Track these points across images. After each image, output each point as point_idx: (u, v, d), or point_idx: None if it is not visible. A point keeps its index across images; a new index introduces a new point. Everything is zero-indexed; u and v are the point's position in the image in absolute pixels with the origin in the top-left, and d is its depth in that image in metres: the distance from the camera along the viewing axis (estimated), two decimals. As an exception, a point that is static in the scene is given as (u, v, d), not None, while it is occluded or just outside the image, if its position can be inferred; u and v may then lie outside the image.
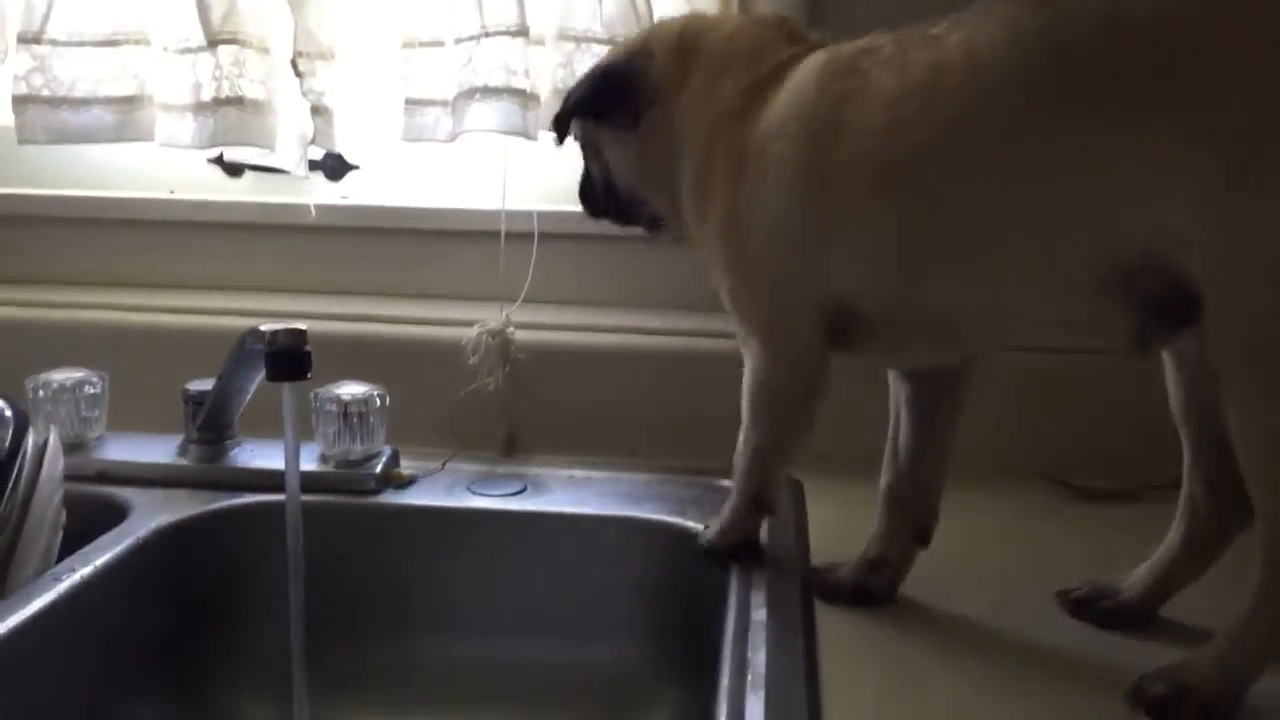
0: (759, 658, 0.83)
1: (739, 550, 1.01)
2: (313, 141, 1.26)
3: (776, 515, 1.03)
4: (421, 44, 1.25)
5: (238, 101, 1.23)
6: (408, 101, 1.26)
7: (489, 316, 1.29)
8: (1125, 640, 0.88)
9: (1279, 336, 0.69)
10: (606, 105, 1.01)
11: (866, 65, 0.83)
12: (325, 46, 1.25)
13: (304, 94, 1.24)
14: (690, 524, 1.09)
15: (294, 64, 1.23)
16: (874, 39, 0.86)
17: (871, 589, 0.95)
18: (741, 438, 0.98)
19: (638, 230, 1.11)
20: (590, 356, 1.30)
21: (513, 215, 1.33)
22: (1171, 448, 0.90)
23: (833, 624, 0.90)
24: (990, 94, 0.76)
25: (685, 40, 0.98)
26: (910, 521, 0.96)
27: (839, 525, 1.10)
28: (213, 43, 1.22)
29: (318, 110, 1.25)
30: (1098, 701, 0.79)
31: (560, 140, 1.05)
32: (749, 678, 0.80)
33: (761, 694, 0.78)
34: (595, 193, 1.09)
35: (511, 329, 1.28)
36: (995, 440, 1.22)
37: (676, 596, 1.09)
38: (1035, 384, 1.24)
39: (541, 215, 1.33)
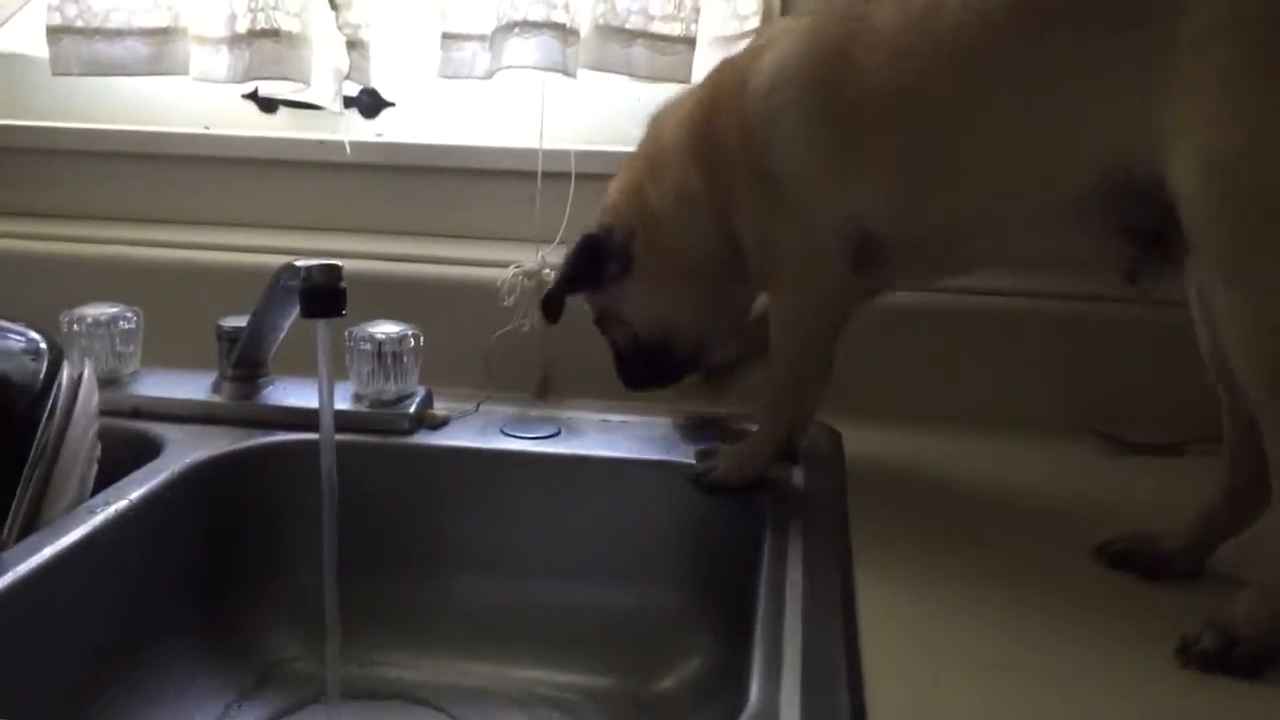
0: (795, 601, 0.82)
1: (746, 487, 1.05)
2: (348, 76, 1.25)
3: (798, 463, 1.08)
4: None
5: (273, 34, 1.21)
6: (445, 36, 1.24)
7: (524, 258, 1.27)
8: (1172, 592, 0.87)
9: (1248, 249, 0.73)
10: (592, 270, 1.09)
11: (863, 11, 0.91)
12: None
13: (340, 27, 1.22)
14: (725, 470, 1.08)
15: None
16: None
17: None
18: (772, 376, 1.04)
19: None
20: None
21: (550, 155, 1.30)
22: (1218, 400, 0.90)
23: (871, 570, 0.88)
24: (983, 21, 0.84)
25: (629, 183, 1.08)
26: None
27: (877, 473, 1.09)
28: (250, -26, 1.20)
29: (354, 44, 1.23)
30: (1143, 654, 0.78)
31: (553, 319, 1.13)
32: (785, 621, 0.79)
33: (799, 638, 0.77)
34: (632, 363, 1.16)
35: (547, 270, 1.26)
36: (1039, 394, 1.22)
37: (710, 541, 1.08)
38: (1079, 336, 1.22)
39: (579, 155, 1.31)
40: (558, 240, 1.28)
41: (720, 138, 1.01)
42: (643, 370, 1.16)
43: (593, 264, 1.09)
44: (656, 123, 1.10)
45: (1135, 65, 0.77)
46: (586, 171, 1.30)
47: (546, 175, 1.30)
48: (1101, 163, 0.81)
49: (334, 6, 1.21)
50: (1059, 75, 0.82)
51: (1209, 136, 0.73)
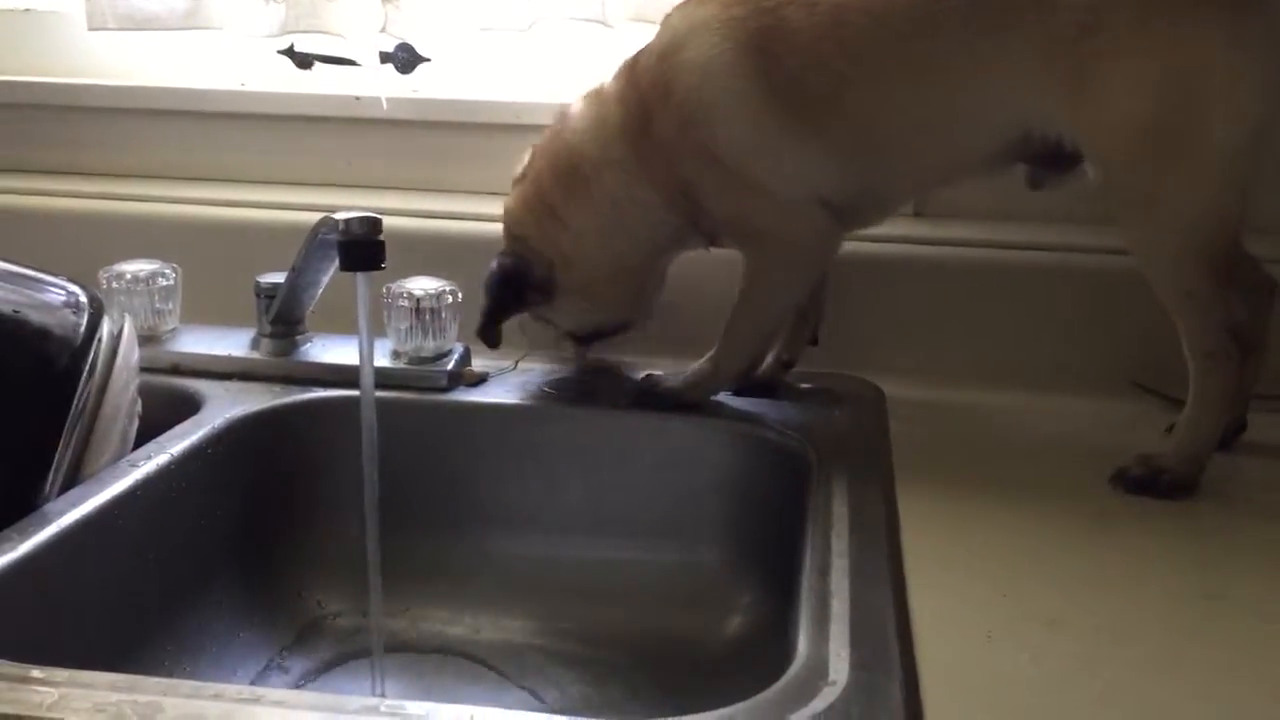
0: (842, 555, 0.81)
1: (696, 406, 1.10)
2: (383, 29, 1.23)
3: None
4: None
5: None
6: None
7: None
8: (1225, 547, 0.87)
9: (1143, 186, 0.92)
10: (515, 298, 1.11)
11: (772, 5, 0.98)
12: None
13: None
14: (768, 429, 1.07)
15: None
16: None
17: (779, 384, 1.16)
18: (742, 316, 1.08)
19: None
20: None
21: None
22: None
23: (917, 525, 0.87)
24: (884, 28, 0.96)
25: (532, 205, 1.11)
26: (809, 328, 1.17)
27: (920, 429, 1.07)
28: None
29: None
30: (1197, 606, 0.77)
31: (493, 345, 1.14)
32: (832, 575, 0.78)
33: (846, 591, 0.76)
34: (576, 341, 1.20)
35: None
36: (1084, 349, 1.20)
37: (752, 499, 1.07)
38: (1123, 291, 1.18)
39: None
40: None
41: (661, 141, 1.04)
42: (586, 342, 1.20)
43: (515, 292, 1.11)
44: (552, 142, 1.12)
45: (1026, 46, 0.92)
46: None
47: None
48: (1010, 130, 0.96)
49: None
50: (958, 67, 0.95)
51: (1105, 101, 0.89)
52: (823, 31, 0.97)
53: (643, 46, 1.08)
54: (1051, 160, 0.98)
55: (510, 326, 1.20)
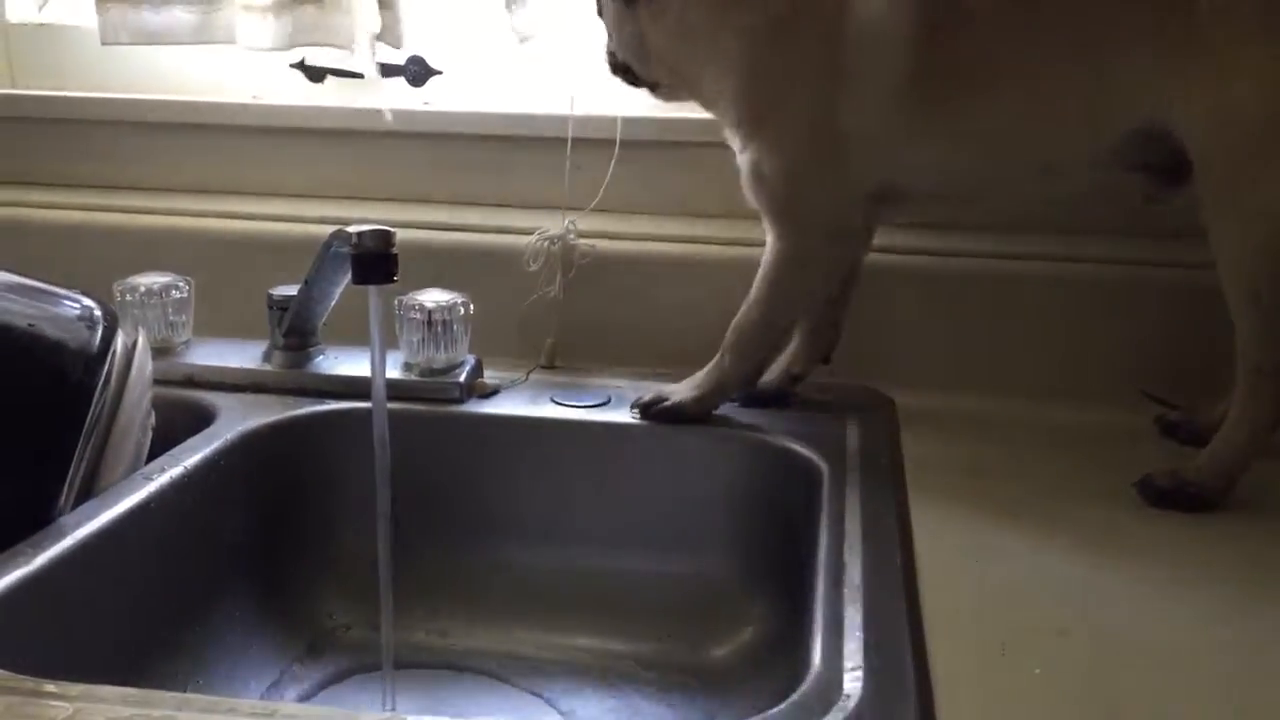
0: (855, 568, 0.81)
1: (704, 418, 1.10)
2: (379, 38, 1.24)
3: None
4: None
5: (315, 0, 1.20)
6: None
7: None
8: (1239, 555, 0.86)
9: (1240, 182, 0.91)
10: None
11: None
12: None
13: None
14: (779, 440, 1.07)
15: None
16: None
17: (786, 394, 1.15)
18: (751, 313, 1.07)
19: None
20: (664, 263, 1.27)
21: (592, 121, 1.29)
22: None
23: (930, 536, 0.87)
24: (1049, 4, 0.96)
25: None
26: (822, 346, 1.16)
27: (931, 439, 1.07)
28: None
29: (384, 4, 1.22)
30: (1212, 618, 0.77)
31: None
32: (845, 588, 0.78)
33: (859, 604, 0.76)
34: (608, 61, 1.15)
35: (573, 236, 1.25)
36: (1092, 359, 1.19)
37: (763, 510, 1.07)
38: (1131, 301, 1.19)
39: (625, 121, 1.28)
40: (591, 207, 1.27)
41: (794, 42, 1.01)
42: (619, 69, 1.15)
43: None
44: None
45: (1161, 34, 0.91)
46: (630, 138, 1.28)
47: (588, 142, 1.29)
48: (1131, 120, 0.95)
49: None
50: (1103, 46, 0.94)
51: (1222, 95, 0.89)
52: (1000, 8, 0.97)
53: None
54: (1167, 171, 0.97)
55: (520, 336, 1.21)
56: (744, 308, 1.08)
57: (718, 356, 1.10)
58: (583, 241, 1.26)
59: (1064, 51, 0.96)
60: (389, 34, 1.24)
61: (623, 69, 1.14)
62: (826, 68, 1.00)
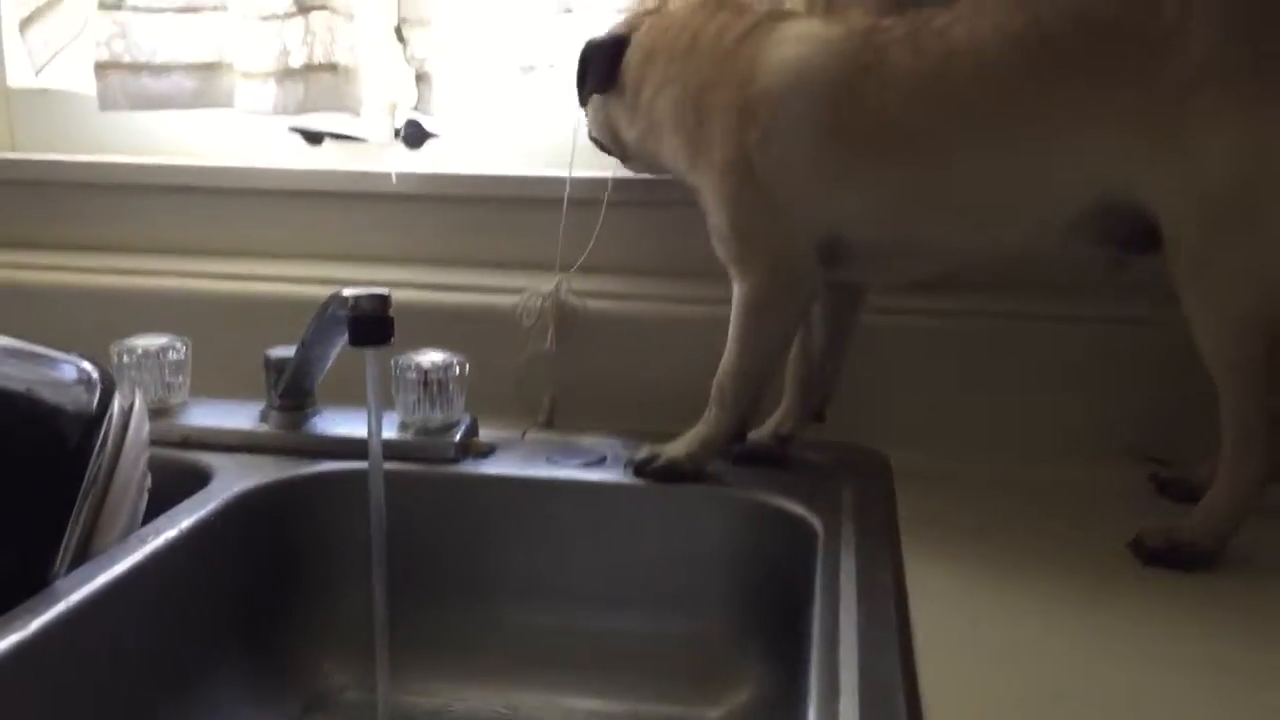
0: (850, 629, 0.81)
1: (698, 474, 1.11)
2: (415, 108, 1.26)
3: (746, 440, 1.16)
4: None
5: (330, 68, 1.22)
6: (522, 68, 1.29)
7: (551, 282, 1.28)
8: (1235, 614, 0.86)
9: (1214, 252, 0.91)
10: (613, 68, 1.15)
11: (882, 42, 0.99)
12: (424, 13, 1.24)
13: (408, 61, 1.24)
14: (774, 499, 1.07)
15: (398, 31, 1.23)
16: (870, 18, 1.03)
17: (777, 454, 1.16)
18: (727, 364, 1.09)
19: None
20: (656, 324, 1.28)
21: (581, 183, 1.31)
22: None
23: (925, 597, 0.87)
24: (990, 77, 0.95)
25: (649, 44, 1.13)
26: (814, 403, 1.18)
27: (926, 498, 1.08)
28: (304, 9, 1.22)
29: (421, 77, 1.25)
30: (1209, 680, 0.77)
31: (586, 97, 1.18)
32: (840, 648, 0.78)
33: (855, 665, 0.76)
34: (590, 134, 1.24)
35: (566, 293, 1.27)
36: (1086, 418, 1.20)
37: (758, 569, 1.07)
38: (1122, 359, 1.20)
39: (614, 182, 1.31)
40: (576, 266, 1.29)
41: (711, 111, 1.06)
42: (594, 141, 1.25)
43: (616, 58, 1.15)
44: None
45: (1124, 110, 0.91)
46: (619, 199, 1.31)
47: (586, 202, 1.31)
48: (1089, 195, 0.95)
49: (401, 40, 1.23)
50: (1056, 122, 0.94)
51: (1193, 167, 0.90)
52: (928, 74, 0.97)
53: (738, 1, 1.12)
54: (1134, 240, 0.96)
55: (515, 395, 1.22)
56: (722, 359, 1.10)
57: (705, 412, 1.11)
58: (574, 298, 1.28)
59: (1005, 125, 0.96)
60: (424, 104, 1.27)
61: (597, 141, 1.25)
62: (739, 130, 1.04)
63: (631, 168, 1.25)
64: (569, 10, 1.27)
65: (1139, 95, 0.90)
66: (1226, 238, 0.91)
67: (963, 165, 0.99)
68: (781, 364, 1.14)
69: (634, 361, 1.28)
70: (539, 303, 1.27)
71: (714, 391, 1.10)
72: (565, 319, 1.28)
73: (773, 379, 1.13)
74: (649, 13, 1.17)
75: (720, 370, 1.10)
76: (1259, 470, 0.92)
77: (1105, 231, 0.97)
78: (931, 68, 0.97)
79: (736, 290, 1.09)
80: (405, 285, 1.27)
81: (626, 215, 1.31)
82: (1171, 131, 0.90)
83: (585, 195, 1.30)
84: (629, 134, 1.17)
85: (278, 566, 1.10)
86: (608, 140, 1.22)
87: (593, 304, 1.29)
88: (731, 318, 1.09)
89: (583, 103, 1.20)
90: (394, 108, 1.31)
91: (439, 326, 1.24)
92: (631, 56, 1.14)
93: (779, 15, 1.09)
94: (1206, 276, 0.92)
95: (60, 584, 0.86)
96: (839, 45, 1.02)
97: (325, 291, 1.03)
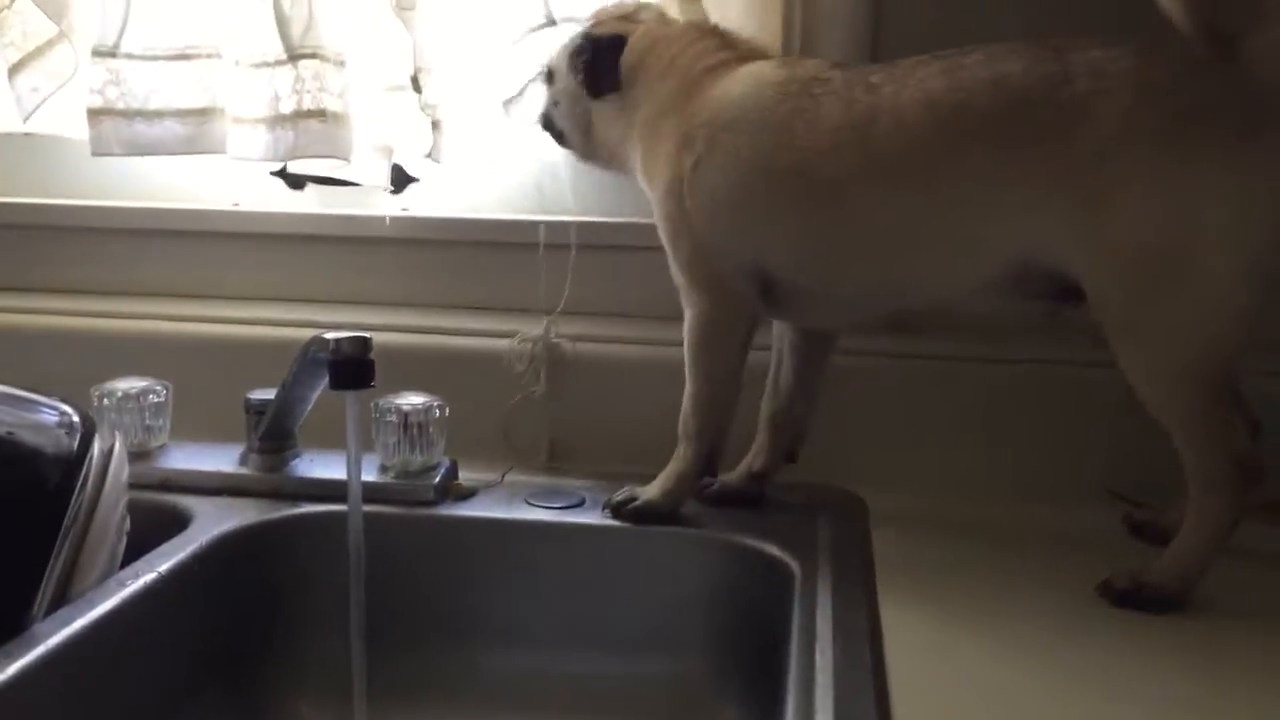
0: (826, 671, 0.82)
1: (675, 513, 1.11)
2: (429, 155, 1.29)
3: (717, 476, 1.17)
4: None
5: (319, 114, 1.24)
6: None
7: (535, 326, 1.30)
8: (1209, 656, 0.87)
9: (1138, 314, 0.92)
10: (615, 60, 1.14)
11: (819, 92, 1.02)
12: (430, 61, 1.27)
13: (423, 109, 1.26)
14: (751, 541, 1.08)
15: (414, 80, 1.25)
16: (822, 68, 1.06)
17: (752, 494, 1.17)
18: (686, 394, 1.11)
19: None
20: (640, 366, 1.29)
21: (553, 227, 1.34)
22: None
23: (900, 638, 0.88)
24: (909, 137, 0.97)
25: (641, 52, 1.14)
26: (786, 443, 1.18)
27: (902, 540, 1.08)
28: (294, 57, 1.23)
29: (435, 124, 1.28)
30: (1173, 714, 0.77)
31: (600, 93, 1.16)
32: (816, 691, 0.79)
33: (830, 708, 0.76)
34: (543, 119, 1.24)
35: (555, 337, 1.29)
36: (1060, 459, 1.21)
37: (735, 611, 1.08)
38: (1096, 401, 1.21)
39: (579, 226, 1.33)
40: (559, 310, 1.31)
41: (662, 133, 1.09)
42: (546, 128, 1.24)
43: (615, 55, 1.15)
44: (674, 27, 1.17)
45: (1040, 175, 0.93)
46: (586, 242, 1.33)
47: (565, 247, 1.33)
48: (1008, 256, 0.96)
49: (417, 89, 1.25)
50: (971, 185, 0.96)
51: (1111, 231, 0.91)
52: (852, 126, 0.99)
53: (727, 38, 1.14)
54: (1061, 296, 0.98)
55: (499, 438, 1.23)
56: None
57: (676, 450, 1.12)
58: (564, 342, 1.30)
59: (920, 185, 0.98)
60: (436, 151, 1.29)
61: (557, 133, 1.23)
62: (678, 156, 1.07)
63: (589, 163, 1.25)
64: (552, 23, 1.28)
65: (1054, 161, 0.92)
66: (1149, 299, 0.92)
67: (877, 220, 1.01)
68: (735, 391, 1.12)
69: (620, 403, 1.29)
70: (530, 347, 1.29)
71: (679, 426, 1.12)
72: (555, 362, 1.30)
73: (732, 408, 1.13)
74: (624, 17, 1.18)
75: (683, 402, 1.12)
76: (1224, 514, 0.93)
77: (1030, 289, 0.98)
78: (856, 120, 0.99)
79: (685, 318, 1.11)
80: (387, 328, 1.28)
81: (599, 259, 1.33)
82: (1088, 196, 0.91)
83: (560, 240, 1.33)
84: (606, 132, 1.17)
85: (256, 609, 1.10)
86: (576, 132, 1.20)
87: (581, 347, 1.30)
88: (684, 347, 1.11)
89: (595, 95, 1.16)
90: (390, 152, 1.32)
91: (418, 369, 1.25)
92: (625, 60, 1.14)
93: (749, 56, 1.11)
94: (1134, 337, 0.94)
95: (38, 628, 0.86)
96: (779, 89, 1.04)
97: (306, 335, 1.04)
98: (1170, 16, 0.87)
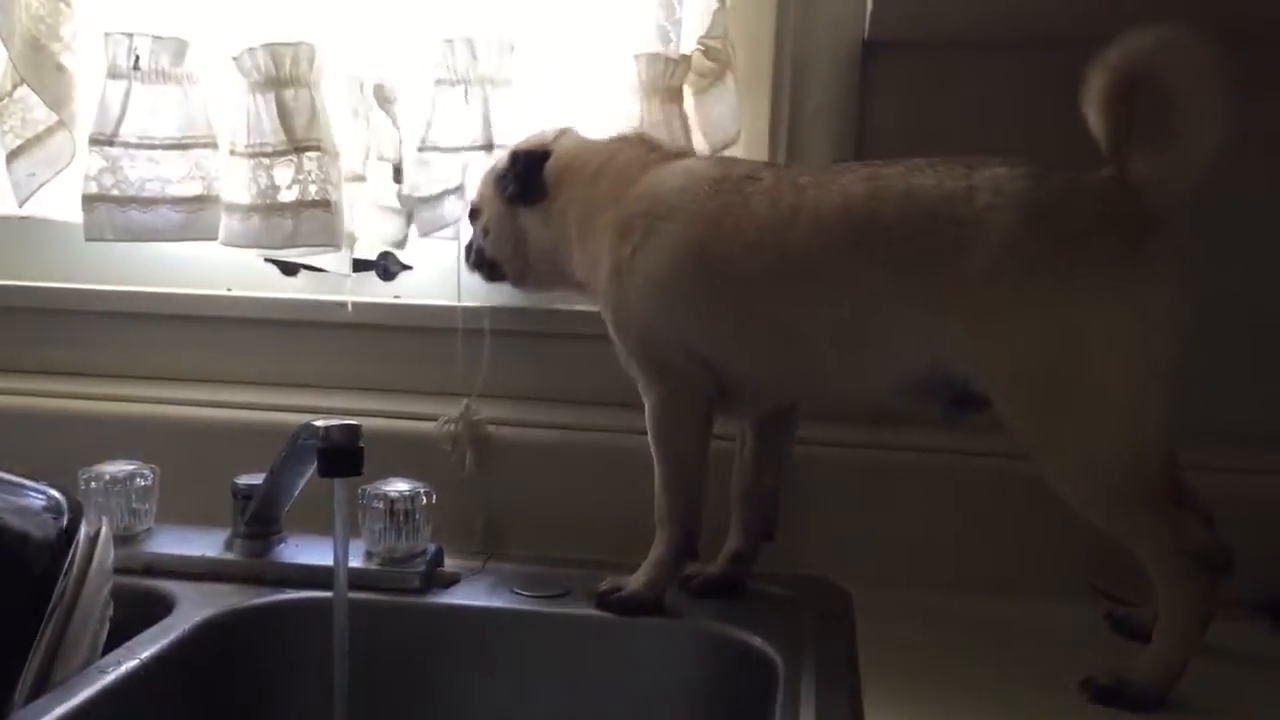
0: (810, 768, 0.81)
1: (659, 602, 1.12)
2: (397, 244, 1.34)
3: (697, 559, 1.15)
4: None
5: (324, 205, 1.27)
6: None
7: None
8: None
9: (1038, 428, 0.96)
10: (536, 172, 1.19)
11: (749, 190, 1.06)
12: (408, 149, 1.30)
13: (401, 201, 1.31)
14: (734, 632, 1.08)
15: (397, 170, 1.29)
16: (755, 167, 1.10)
17: (736, 579, 1.18)
18: (656, 478, 1.12)
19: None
20: (570, 452, 1.31)
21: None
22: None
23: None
24: (824, 240, 1.01)
25: (565, 162, 1.19)
26: (759, 521, 1.19)
27: (887, 634, 1.09)
28: (297, 148, 1.26)
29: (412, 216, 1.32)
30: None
31: (531, 200, 1.19)
32: (800, 789, 0.79)
33: (814, 806, 0.76)
34: (473, 256, 1.28)
35: (477, 417, 1.31)
36: (1048, 554, 1.21)
37: (719, 704, 1.08)
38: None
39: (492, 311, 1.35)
40: (477, 393, 1.33)
41: (599, 229, 1.12)
42: (477, 265, 1.28)
43: (537, 167, 1.19)
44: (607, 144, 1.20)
45: (940, 289, 0.96)
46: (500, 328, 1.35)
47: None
48: (912, 365, 0.99)
49: (398, 178, 1.31)
50: (878, 292, 0.99)
51: (1004, 350, 0.94)
52: (774, 224, 1.03)
53: (651, 142, 1.19)
54: (956, 403, 1.01)
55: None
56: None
57: (656, 535, 1.13)
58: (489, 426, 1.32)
59: (830, 288, 1.01)
60: (403, 241, 1.35)
61: (488, 265, 1.27)
62: (617, 245, 1.10)
63: (524, 288, 1.29)
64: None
65: (951, 274, 0.95)
66: (1048, 415, 0.95)
67: (789, 317, 1.04)
68: (701, 471, 1.13)
69: (550, 486, 1.31)
70: (451, 428, 1.31)
71: (655, 513, 1.13)
72: (479, 444, 1.31)
73: (700, 487, 1.13)
74: (560, 134, 1.22)
75: (655, 489, 1.12)
76: (1192, 610, 0.93)
77: (941, 396, 1.01)
78: (778, 220, 1.03)
79: (646, 407, 1.13)
80: (375, 414, 1.28)
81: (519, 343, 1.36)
82: (981, 313, 0.94)
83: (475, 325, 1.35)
84: (538, 240, 1.21)
85: (239, 696, 1.09)
86: (510, 252, 1.24)
87: (506, 430, 1.32)
88: (648, 436, 1.13)
89: (528, 203, 1.20)
90: (354, 240, 1.34)
91: (407, 455, 1.25)
92: (550, 169, 1.18)
93: (679, 155, 1.16)
94: (1041, 450, 0.97)
95: (18, 715, 0.85)
96: (714, 184, 1.08)
97: (292, 419, 1.05)
98: (1095, 133, 0.93)
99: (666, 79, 1.26)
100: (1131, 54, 0.91)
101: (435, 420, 1.32)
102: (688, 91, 1.30)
